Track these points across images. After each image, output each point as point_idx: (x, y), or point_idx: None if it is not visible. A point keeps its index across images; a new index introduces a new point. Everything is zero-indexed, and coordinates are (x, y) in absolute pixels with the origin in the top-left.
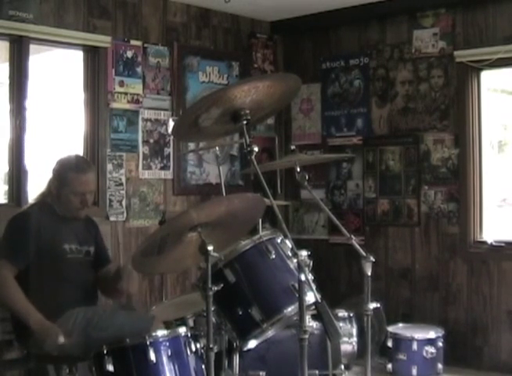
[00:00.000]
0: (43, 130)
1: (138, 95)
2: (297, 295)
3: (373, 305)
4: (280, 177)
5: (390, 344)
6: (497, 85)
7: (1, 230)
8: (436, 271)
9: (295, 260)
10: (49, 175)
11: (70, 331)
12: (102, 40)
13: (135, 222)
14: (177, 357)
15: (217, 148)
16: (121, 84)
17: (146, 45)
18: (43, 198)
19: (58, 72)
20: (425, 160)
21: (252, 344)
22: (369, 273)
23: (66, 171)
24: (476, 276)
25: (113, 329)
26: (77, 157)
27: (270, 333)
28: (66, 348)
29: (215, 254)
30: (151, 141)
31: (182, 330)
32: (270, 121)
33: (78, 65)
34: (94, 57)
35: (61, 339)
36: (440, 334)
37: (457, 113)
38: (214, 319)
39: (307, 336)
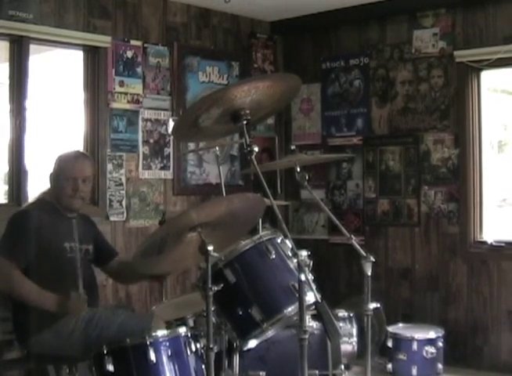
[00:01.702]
0: (43, 130)
1: (138, 95)
2: (297, 295)
3: (373, 305)
4: (280, 177)
5: (390, 344)
6: (497, 85)
7: (2, 230)
8: (436, 271)
9: (295, 260)
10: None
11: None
12: (102, 40)
13: (135, 222)
14: (177, 357)
15: (217, 148)
16: (121, 84)
17: (146, 45)
18: (43, 196)
19: (58, 72)
20: (425, 160)
21: (252, 344)
22: (369, 273)
23: (59, 161)
24: (476, 276)
25: (113, 328)
26: (76, 150)
27: (270, 333)
28: (70, 345)
29: (215, 254)
30: (151, 141)
31: (182, 330)
32: (270, 121)
33: (78, 65)
34: (94, 57)
35: (84, 297)
36: (440, 334)
37: (457, 113)
38: (214, 319)
39: (307, 336)
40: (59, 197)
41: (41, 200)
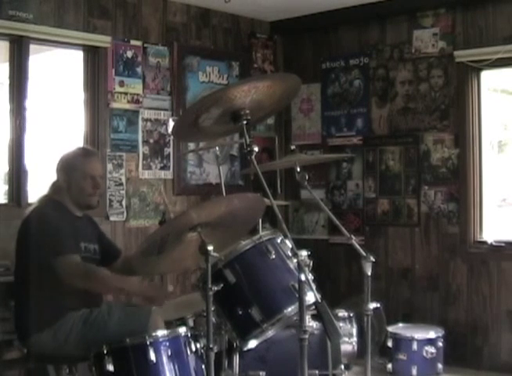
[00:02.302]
0: (43, 130)
1: (138, 95)
2: (297, 295)
3: (373, 305)
4: (280, 177)
5: (390, 344)
6: (497, 85)
7: (1, 231)
8: (436, 271)
9: (295, 260)
10: (53, 175)
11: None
12: (102, 40)
13: (135, 222)
14: (177, 357)
15: (217, 148)
16: (121, 84)
17: (146, 45)
18: (51, 197)
19: (58, 72)
20: (425, 160)
21: (252, 344)
22: (369, 273)
23: (73, 159)
24: (476, 276)
25: (110, 328)
26: (80, 146)
27: (270, 333)
28: (70, 347)
29: (215, 254)
30: (151, 141)
31: (182, 330)
32: (270, 121)
33: (78, 65)
34: (94, 57)
35: (170, 288)
36: (440, 334)
37: (457, 113)
38: (214, 319)
39: (307, 336)
40: (76, 195)
41: (50, 200)
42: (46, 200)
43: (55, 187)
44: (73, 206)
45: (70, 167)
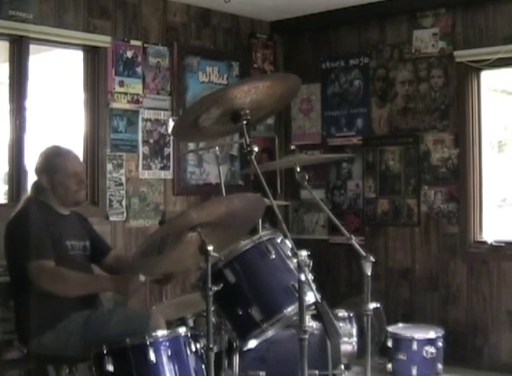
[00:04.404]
0: (43, 130)
1: (138, 95)
2: (297, 295)
3: (373, 305)
4: (280, 177)
5: (390, 344)
6: (497, 85)
7: (1, 231)
8: (436, 271)
9: (295, 260)
10: (33, 177)
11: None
12: (102, 40)
13: (135, 222)
14: (177, 357)
15: (217, 148)
16: (121, 84)
17: (146, 45)
18: (34, 197)
19: (58, 72)
20: (425, 160)
21: (252, 344)
22: (369, 273)
23: (52, 159)
24: (476, 276)
25: (110, 328)
26: (54, 145)
27: (270, 333)
28: (70, 348)
29: (215, 254)
30: (151, 141)
31: (182, 330)
32: (270, 121)
33: (78, 65)
34: (94, 57)
35: (141, 278)
36: (440, 334)
37: (457, 113)
38: (214, 320)
39: (307, 336)
40: (62, 195)
41: (34, 201)
42: (30, 202)
43: (38, 188)
44: (58, 205)
45: (50, 168)
